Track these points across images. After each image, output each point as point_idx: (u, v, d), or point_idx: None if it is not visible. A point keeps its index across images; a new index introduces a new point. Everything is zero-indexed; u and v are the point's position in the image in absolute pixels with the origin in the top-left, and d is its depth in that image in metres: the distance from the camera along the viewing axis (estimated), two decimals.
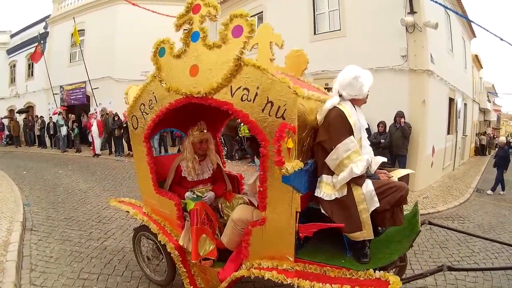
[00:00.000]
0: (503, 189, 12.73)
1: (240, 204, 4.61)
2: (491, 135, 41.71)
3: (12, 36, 29.68)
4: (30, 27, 27.48)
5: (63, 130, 20.10)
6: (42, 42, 23.38)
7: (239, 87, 3.35)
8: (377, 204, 3.26)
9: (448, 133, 15.39)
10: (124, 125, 16.71)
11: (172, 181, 4.67)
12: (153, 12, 17.01)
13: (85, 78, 20.29)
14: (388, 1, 11.81)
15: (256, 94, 3.25)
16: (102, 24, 20.92)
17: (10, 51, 29.19)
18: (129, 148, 17.24)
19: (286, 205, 3.29)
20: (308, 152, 3.56)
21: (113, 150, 18.34)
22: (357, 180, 3.27)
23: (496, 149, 16.34)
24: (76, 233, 6.59)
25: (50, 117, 22.44)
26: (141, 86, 4.35)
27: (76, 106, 23.02)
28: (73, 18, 20.79)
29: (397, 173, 3.82)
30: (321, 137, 3.40)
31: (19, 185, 10.49)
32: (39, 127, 23.35)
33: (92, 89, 20.41)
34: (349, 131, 3.37)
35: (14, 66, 29.14)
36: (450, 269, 3.53)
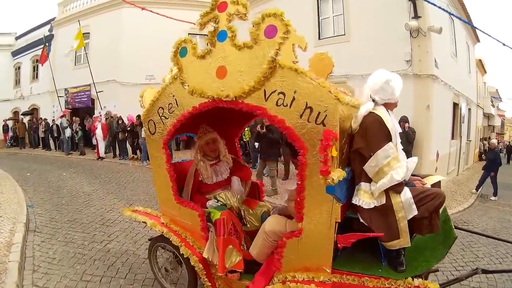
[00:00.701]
0: (495, 194, 12.66)
1: (264, 211, 4.55)
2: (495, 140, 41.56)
3: (17, 38, 29.78)
4: (35, 29, 27.54)
5: (67, 133, 20.16)
6: (47, 44, 23.44)
7: (274, 91, 3.15)
8: (415, 212, 3.23)
9: (452, 138, 15.39)
10: (129, 128, 16.76)
11: (192, 188, 4.49)
12: (158, 14, 17.04)
13: (89, 81, 20.38)
14: (392, 6, 11.83)
15: (293, 99, 3.05)
16: (107, 27, 20.94)
17: (15, 53, 29.26)
18: (133, 152, 17.34)
19: (325, 215, 3.13)
20: (346, 160, 3.43)
21: (117, 153, 18.33)
22: (396, 188, 3.21)
23: (487, 151, 16.06)
24: (79, 235, 6.58)
25: (53, 120, 22.62)
26: (159, 89, 4.09)
27: (81, 109, 23.06)
28: (78, 21, 20.85)
29: (430, 180, 3.82)
30: (358, 144, 3.30)
31: (22, 187, 10.48)
32: (43, 129, 23.44)
33: (96, 92, 20.45)
34: (387, 137, 3.30)
35: (19, 68, 29.18)
36: (484, 271, 3.58)
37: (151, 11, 16.12)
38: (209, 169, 4.47)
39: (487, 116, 36.28)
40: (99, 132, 17.72)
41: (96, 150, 18.33)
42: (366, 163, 3.24)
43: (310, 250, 3.30)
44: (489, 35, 11.20)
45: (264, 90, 3.19)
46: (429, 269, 3.42)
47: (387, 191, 3.23)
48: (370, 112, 3.31)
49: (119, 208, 8.47)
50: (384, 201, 3.22)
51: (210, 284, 4.08)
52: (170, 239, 4.15)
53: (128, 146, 17.68)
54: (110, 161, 17.30)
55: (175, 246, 4.15)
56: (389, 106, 3.53)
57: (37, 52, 24.81)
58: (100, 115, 19.41)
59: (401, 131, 3.78)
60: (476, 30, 20.76)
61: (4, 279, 4.52)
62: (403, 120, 10.74)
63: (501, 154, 34.72)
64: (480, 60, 30.18)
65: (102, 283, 4.82)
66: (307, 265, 3.36)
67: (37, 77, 27.09)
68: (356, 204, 3.31)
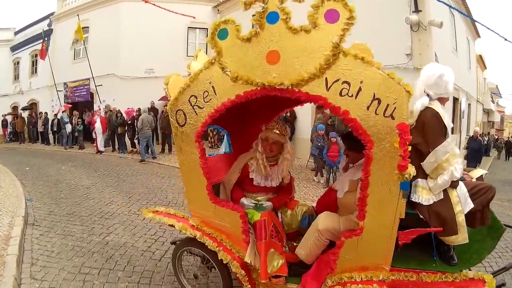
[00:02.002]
0: None
1: (305, 212, 4.34)
2: (495, 136, 41.64)
3: (16, 33, 29.81)
4: (34, 24, 27.58)
5: (68, 127, 20.14)
6: (46, 39, 23.39)
7: (337, 80, 2.88)
8: (471, 206, 3.26)
9: (452, 132, 15.29)
10: (129, 122, 16.77)
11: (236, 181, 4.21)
12: (159, 8, 17.01)
13: (89, 75, 20.33)
14: (393, 0, 11.79)
15: (360, 89, 2.82)
16: (106, 21, 20.91)
17: (14, 48, 29.27)
18: (132, 145, 17.36)
19: (390, 212, 3.00)
20: None
21: (116, 147, 18.29)
22: (454, 183, 3.18)
23: (468, 140, 15.42)
24: (78, 228, 6.55)
25: (55, 114, 22.51)
26: (191, 75, 3.66)
27: (80, 103, 23.03)
28: (77, 15, 20.80)
29: (474, 174, 3.84)
30: (415, 140, 3.11)
31: (21, 181, 10.47)
32: (42, 124, 23.42)
33: (95, 86, 20.40)
34: (445, 133, 3.25)
35: (18, 63, 29.19)
36: None
37: (153, 4, 16.07)
38: (267, 168, 4.09)
39: (487, 112, 36.34)
40: (98, 126, 17.71)
41: (95, 144, 18.32)
42: (425, 159, 3.19)
43: (370, 248, 3.19)
44: (490, 29, 11.21)
45: (326, 78, 2.92)
46: (481, 261, 3.48)
47: None
48: (427, 107, 3.25)
49: (118, 201, 8.49)
50: (442, 196, 3.20)
51: None
52: (206, 244, 3.76)
53: (127, 139, 17.66)
54: (109, 155, 17.28)
55: (208, 251, 3.83)
56: (443, 101, 3.46)
57: (36, 47, 24.82)
58: (99, 109, 19.42)
59: (452, 126, 3.72)
60: (477, 25, 20.80)
61: (2, 272, 4.49)
62: None
63: (497, 150, 34.90)
64: (480, 56, 30.24)
65: (100, 276, 4.78)
66: (365, 264, 3.25)
67: (36, 72, 27.11)
68: (412, 201, 3.23)
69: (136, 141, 16.99)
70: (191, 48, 21.62)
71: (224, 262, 3.68)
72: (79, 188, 9.88)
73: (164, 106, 18.57)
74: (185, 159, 3.95)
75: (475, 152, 12.66)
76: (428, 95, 3.29)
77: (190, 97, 3.65)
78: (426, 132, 3.16)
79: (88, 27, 21.81)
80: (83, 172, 12.41)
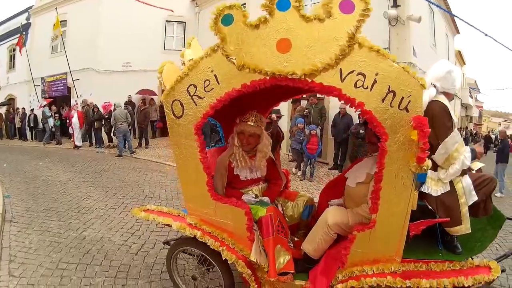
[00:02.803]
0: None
1: (306, 202, 4.31)
2: (473, 130, 42.28)
3: None
4: (12, 18, 27.11)
5: (50, 122, 19.84)
6: (24, 33, 23.05)
7: (352, 71, 2.84)
8: (475, 198, 3.36)
9: None
10: (106, 116, 16.62)
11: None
12: (137, 0, 16.91)
13: (66, 70, 20.04)
14: None
15: (375, 81, 2.80)
16: (84, 14, 20.63)
17: None
18: (109, 140, 17.25)
19: (402, 204, 3.03)
20: None
21: (93, 142, 18.11)
22: (464, 171, 3.30)
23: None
24: (55, 223, 6.51)
25: (32, 110, 22.20)
26: (190, 63, 3.44)
27: (57, 98, 22.70)
28: (56, 8, 20.58)
29: (474, 166, 3.88)
30: None
31: None
32: (20, 120, 23.02)
33: (73, 81, 20.13)
34: (452, 125, 3.32)
35: None
36: None
37: None
38: (247, 160, 4.02)
39: (465, 107, 36.80)
40: (75, 120, 17.47)
41: (72, 139, 18.11)
42: (436, 152, 3.25)
43: (383, 241, 3.21)
44: (471, 25, 11.35)
45: (340, 69, 2.86)
46: (484, 249, 3.54)
47: None
48: (434, 100, 3.31)
49: (94, 196, 8.45)
50: (448, 188, 3.29)
51: None
52: (208, 243, 3.58)
53: (104, 134, 17.48)
54: (86, 150, 17.13)
55: (209, 250, 3.69)
56: (448, 96, 3.53)
57: (14, 41, 24.36)
58: (77, 104, 19.22)
59: (456, 120, 3.80)
60: (456, 21, 21.01)
61: None
62: None
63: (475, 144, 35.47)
64: (459, 52, 30.60)
65: (77, 271, 4.75)
66: (377, 257, 3.27)
67: (13, 67, 26.68)
68: (422, 192, 3.26)
69: (113, 135, 16.84)
70: (168, 41, 21.68)
71: (229, 262, 3.55)
72: (56, 183, 9.78)
73: (141, 100, 18.46)
74: (182, 153, 3.71)
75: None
76: (435, 86, 3.37)
77: (189, 86, 3.43)
78: (436, 124, 3.15)
79: (66, 20, 21.52)
80: (60, 167, 12.29)
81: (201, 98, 3.38)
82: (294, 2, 2.91)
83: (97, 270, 4.80)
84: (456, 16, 17.63)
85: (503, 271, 3.23)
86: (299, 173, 11.50)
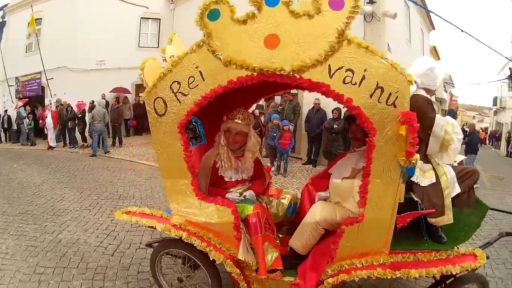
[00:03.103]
0: None
1: (290, 199, 4.34)
2: None
3: None
4: None
5: (26, 122, 19.40)
6: None
7: (341, 67, 2.86)
8: (458, 190, 3.56)
9: None
10: (79, 115, 16.44)
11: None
12: None
13: (40, 69, 19.73)
14: None
15: (363, 78, 2.84)
16: (60, 12, 20.24)
17: None
18: (83, 139, 17.01)
19: (390, 198, 3.11)
20: None
21: (67, 142, 17.82)
22: None
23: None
24: (31, 227, 6.38)
25: (5, 111, 21.71)
26: (173, 59, 3.34)
27: (32, 98, 22.18)
28: (31, 6, 20.26)
29: (457, 158, 4.04)
30: None
31: None
32: None
33: (47, 80, 19.83)
34: (435, 115, 3.45)
35: None
36: (508, 234, 4.02)
37: None
38: (232, 161, 3.91)
39: (439, 101, 37.29)
40: (49, 121, 17.12)
41: (46, 140, 17.77)
42: (429, 144, 3.41)
43: (371, 234, 3.27)
44: (447, 21, 11.51)
45: (329, 65, 2.88)
46: (469, 238, 3.64)
47: (435, 171, 3.49)
48: (415, 94, 3.40)
49: (69, 197, 8.32)
50: (434, 180, 3.44)
51: None
52: (194, 244, 3.49)
53: (77, 134, 17.23)
54: (60, 150, 16.83)
55: (195, 251, 3.61)
56: (429, 92, 3.63)
57: None
58: (51, 104, 18.84)
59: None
60: (432, 17, 21.27)
61: None
62: None
63: None
64: (434, 47, 31.04)
65: (55, 275, 4.67)
66: (366, 250, 3.33)
67: None
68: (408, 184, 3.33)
69: (88, 135, 16.63)
70: (143, 39, 21.50)
71: (217, 262, 3.48)
72: (31, 186, 9.59)
73: (115, 98, 18.26)
74: (165, 153, 3.60)
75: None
76: (415, 82, 3.41)
77: (172, 83, 3.33)
78: (421, 117, 3.14)
79: (41, 18, 21.08)
80: (34, 169, 12.05)
81: (185, 95, 3.30)
82: None
83: (74, 273, 4.72)
84: (432, 12, 17.86)
85: (487, 257, 3.34)
86: (273, 169, 11.51)
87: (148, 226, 3.85)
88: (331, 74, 2.87)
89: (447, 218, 3.45)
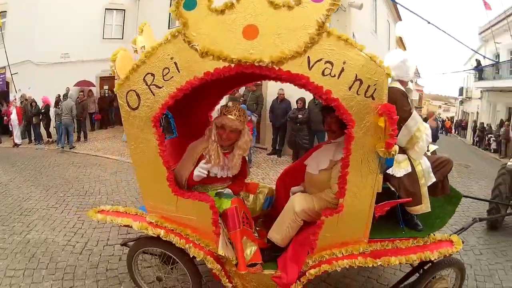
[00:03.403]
0: None
1: (267, 193, 4.33)
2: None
3: None
4: None
5: None
6: None
7: (320, 59, 2.85)
8: (434, 179, 3.71)
9: None
10: (43, 110, 16.12)
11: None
12: None
13: (4, 63, 18.98)
14: None
15: (342, 70, 2.85)
16: (23, 4, 19.48)
17: None
18: (48, 135, 16.70)
19: (368, 188, 3.17)
20: None
21: (32, 138, 17.36)
22: None
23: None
24: None
25: None
26: (147, 50, 3.22)
27: None
28: None
29: (430, 148, 4.23)
30: None
31: None
32: None
33: (11, 75, 19.11)
34: (410, 108, 3.58)
35: None
36: (481, 219, 4.56)
37: None
38: (221, 157, 3.76)
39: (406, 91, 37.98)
40: (14, 117, 16.63)
41: (12, 137, 17.25)
42: (399, 135, 3.40)
43: (350, 224, 3.33)
44: (414, 13, 11.68)
45: (308, 57, 2.87)
46: (444, 225, 3.83)
47: (410, 161, 3.61)
48: (391, 87, 3.42)
49: (36, 196, 8.16)
50: (410, 170, 3.56)
51: (231, 284, 3.57)
52: (173, 242, 3.41)
53: (42, 129, 16.82)
54: (26, 147, 16.41)
55: (173, 249, 3.54)
56: (402, 83, 3.76)
57: None
58: (15, 99, 18.35)
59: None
60: (399, 8, 21.53)
61: None
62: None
63: None
64: (400, 38, 31.51)
65: (25, 277, 4.59)
66: (345, 240, 3.39)
67: None
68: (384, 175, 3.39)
69: (54, 130, 16.35)
70: (107, 30, 21.01)
71: (198, 259, 3.41)
72: None
73: (80, 91, 17.93)
74: (139, 148, 3.46)
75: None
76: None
77: (146, 75, 3.21)
78: (397, 109, 3.16)
79: (5, 11, 20.31)
80: (0, 168, 11.72)
81: (160, 87, 3.20)
82: None
83: (44, 274, 4.66)
84: (399, 4, 18.10)
85: (462, 242, 3.53)
86: None
87: (124, 225, 3.72)
88: (310, 66, 2.87)
89: (425, 206, 3.62)
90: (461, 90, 41.22)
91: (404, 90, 3.64)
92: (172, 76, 3.13)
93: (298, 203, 3.65)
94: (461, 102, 43.36)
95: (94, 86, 19.54)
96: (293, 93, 11.40)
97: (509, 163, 6.76)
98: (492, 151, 22.71)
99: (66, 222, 6.42)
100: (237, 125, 3.70)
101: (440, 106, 72.90)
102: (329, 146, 3.92)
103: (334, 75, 2.86)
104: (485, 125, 26.98)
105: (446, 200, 4.12)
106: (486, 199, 6.72)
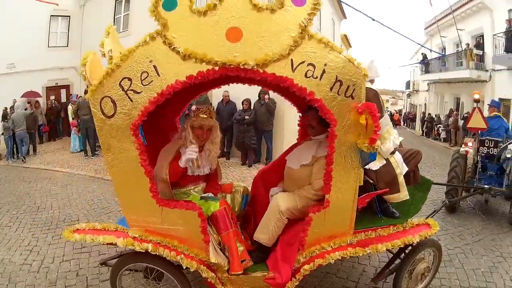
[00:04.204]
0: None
1: (243, 192, 4.33)
2: None
3: None
4: None
5: None
6: None
7: (303, 62, 2.95)
8: (407, 168, 4.06)
9: None
10: None
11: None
12: None
13: None
14: None
15: (324, 72, 3.00)
16: None
17: None
18: None
19: (352, 182, 3.40)
20: None
21: None
22: (394, 150, 3.89)
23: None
24: None
25: None
26: (123, 52, 3.01)
27: None
28: None
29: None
30: None
31: None
32: None
33: None
34: (382, 110, 3.82)
35: None
36: (449, 201, 5.57)
37: None
38: (199, 156, 3.75)
39: None
40: None
41: None
42: None
43: (337, 218, 3.52)
44: (359, 10, 12.11)
45: (291, 59, 2.94)
46: (419, 211, 4.22)
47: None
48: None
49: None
50: (385, 162, 3.82)
51: None
52: (163, 255, 3.24)
53: None
54: None
55: (161, 263, 3.41)
56: (371, 82, 4.06)
57: None
58: None
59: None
60: (344, 7, 22.00)
61: None
62: (263, 92, 11.05)
63: None
64: (345, 35, 32.22)
65: None
66: (332, 233, 3.58)
67: None
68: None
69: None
70: (52, 38, 20.13)
71: (191, 269, 3.27)
72: None
73: (28, 103, 17.31)
74: (116, 159, 3.21)
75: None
76: None
77: (122, 80, 2.99)
78: None
79: None
80: None
81: (138, 92, 3.00)
82: None
83: None
84: (343, 2, 18.52)
85: None
86: None
87: (107, 243, 3.48)
88: (294, 68, 2.96)
89: (403, 194, 3.96)
90: (408, 83, 42.52)
91: (376, 90, 3.88)
92: (152, 80, 2.97)
93: (282, 202, 3.72)
94: (409, 95, 44.61)
95: (41, 96, 18.71)
96: (239, 95, 11.52)
97: (461, 149, 7.67)
98: (442, 140, 23.74)
99: (21, 241, 6.18)
100: (212, 123, 3.84)
101: (387, 100, 74.61)
102: (310, 143, 4.06)
103: (316, 77, 3.01)
104: (433, 116, 28.10)
105: (416, 187, 4.47)
106: (459, 185, 7.46)
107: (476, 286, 4.67)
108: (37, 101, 18.30)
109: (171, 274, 3.47)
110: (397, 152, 4.01)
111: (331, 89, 3.07)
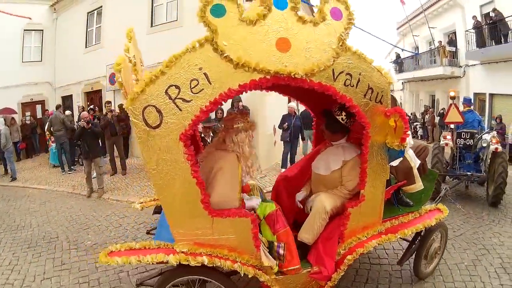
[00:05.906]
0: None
1: (259, 189, 4.47)
2: None
3: None
4: None
5: None
6: None
7: (342, 72, 3.26)
8: (419, 162, 4.59)
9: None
10: None
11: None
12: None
13: None
14: None
15: (359, 80, 3.35)
16: None
17: None
18: None
19: (381, 176, 3.83)
20: None
21: None
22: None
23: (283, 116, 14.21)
24: None
25: None
26: (169, 58, 2.84)
27: None
28: None
29: None
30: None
31: None
32: None
33: None
34: None
35: None
36: (451, 188, 6.04)
37: None
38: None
39: None
40: None
41: None
42: None
43: (370, 210, 3.92)
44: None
45: (333, 70, 3.22)
46: (429, 198, 4.86)
47: None
48: None
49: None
50: (401, 158, 3.98)
51: None
52: (221, 266, 3.20)
53: None
54: None
55: (211, 272, 3.38)
56: None
57: None
58: None
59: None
60: (314, 10, 22.13)
61: None
62: (236, 100, 10.90)
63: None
64: None
65: None
66: (365, 224, 3.96)
67: None
68: None
69: None
70: (26, 52, 19.73)
71: (249, 276, 3.27)
72: None
73: (4, 118, 17.13)
74: (162, 171, 3.03)
75: (297, 128, 11.98)
76: None
77: (168, 87, 2.85)
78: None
79: None
80: None
81: (188, 101, 2.90)
82: (290, 2, 3.02)
83: None
84: (312, 5, 18.62)
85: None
86: None
87: (157, 262, 3.23)
88: (335, 77, 3.26)
89: (418, 185, 4.48)
90: None
91: (392, 95, 4.10)
92: (203, 89, 2.89)
93: (327, 203, 3.89)
94: None
95: (16, 113, 18.29)
96: None
97: (441, 142, 8.56)
98: (419, 137, 23.96)
99: (2, 260, 6.11)
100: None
101: None
102: (334, 149, 4.22)
103: (353, 85, 3.35)
104: (409, 114, 28.28)
105: (424, 178, 4.80)
106: (453, 174, 8.58)
107: (460, 281, 4.74)
108: (12, 118, 17.83)
109: (220, 282, 3.45)
110: (409, 149, 4.39)
111: (364, 95, 3.44)
